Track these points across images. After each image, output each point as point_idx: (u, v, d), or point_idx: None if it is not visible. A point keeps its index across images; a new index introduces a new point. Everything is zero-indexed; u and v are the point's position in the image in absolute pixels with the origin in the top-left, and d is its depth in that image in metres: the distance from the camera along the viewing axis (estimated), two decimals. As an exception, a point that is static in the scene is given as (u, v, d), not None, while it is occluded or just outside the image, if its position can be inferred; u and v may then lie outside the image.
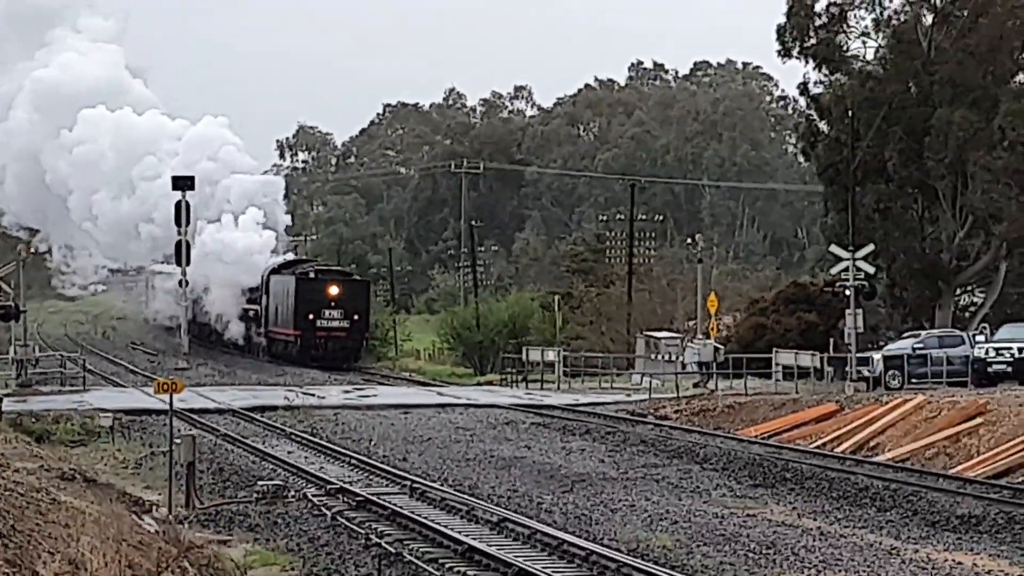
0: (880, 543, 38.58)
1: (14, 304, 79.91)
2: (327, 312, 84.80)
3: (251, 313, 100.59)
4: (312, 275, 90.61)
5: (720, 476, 51.14)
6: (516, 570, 32.86)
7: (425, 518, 40.50)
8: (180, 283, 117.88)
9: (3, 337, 77.24)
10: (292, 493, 45.12)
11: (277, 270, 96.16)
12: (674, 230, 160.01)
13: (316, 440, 59.74)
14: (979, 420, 57.27)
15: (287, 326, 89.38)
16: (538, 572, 32.61)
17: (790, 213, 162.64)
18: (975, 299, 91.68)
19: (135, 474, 49.92)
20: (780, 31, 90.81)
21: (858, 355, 72.97)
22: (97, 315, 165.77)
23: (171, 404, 46.00)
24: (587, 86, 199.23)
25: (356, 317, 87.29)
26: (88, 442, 57.79)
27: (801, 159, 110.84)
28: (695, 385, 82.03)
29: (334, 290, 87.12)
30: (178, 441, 44.94)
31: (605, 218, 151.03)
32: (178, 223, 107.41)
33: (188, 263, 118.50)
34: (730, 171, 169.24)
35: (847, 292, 72.70)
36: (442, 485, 46.85)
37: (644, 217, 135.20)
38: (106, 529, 30.86)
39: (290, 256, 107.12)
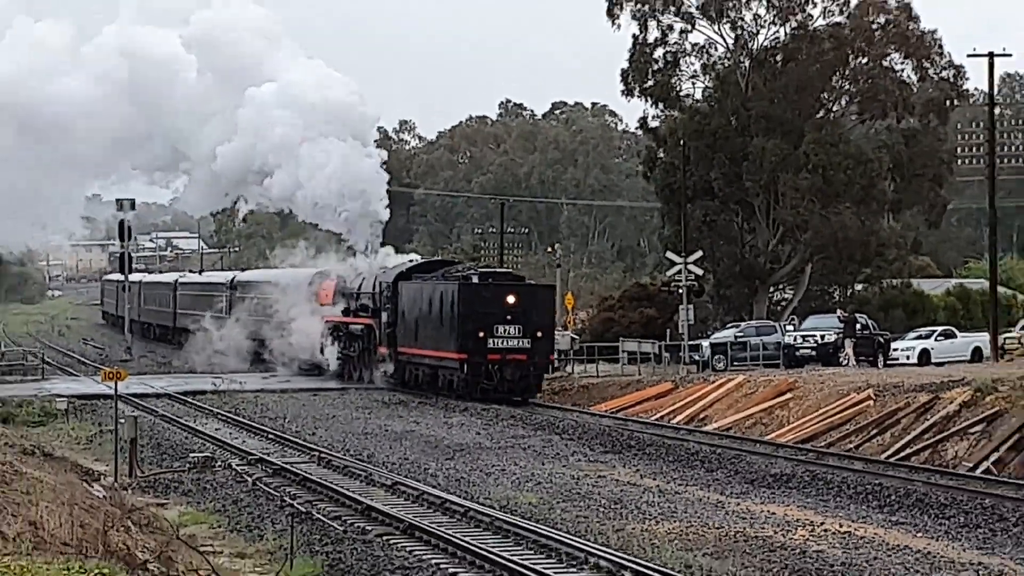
0: (708, 498, 39.21)
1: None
2: (502, 328, 61.12)
3: (356, 329, 74.08)
4: (476, 280, 65.34)
5: (576, 444, 51.26)
6: (407, 525, 33.40)
7: (330, 483, 40.88)
8: (123, 287, 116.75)
9: None
10: (219, 463, 45.15)
11: (406, 275, 70.33)
12: (537, 240, 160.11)
13: (239, 419, 59.50)
14: (789, 395, 58.01)
15: (442, 347, 64.26)
16: (424, 526, 33.08)
17: (634, 226, 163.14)
18: (785, 295, 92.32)
19: (86, 449, 49.65)
20: (623, 74, 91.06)
21: (690, 343, 73.36)
22: (54, 316, 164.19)
23: (116, 390, 45.90)
24: (463, 121, 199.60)
25: (539, 334, 62.73)
26: (46, 423, 57.42)
27: (643, 181, 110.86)
28: (555, 369, 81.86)
29: (511, 299, 62.24)
30: (122, 421, 44.93)
31: (480, 231, 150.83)
32: (121, 238, 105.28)
33: (131, 271, 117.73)
34: (584, 191, 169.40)
35: (680, 290, 73.11)
36: (344, 455, 47.01)
37: (512, 230, 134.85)
38: (61, 495, 30.74)
39: (415, 258, 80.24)
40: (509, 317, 61.69)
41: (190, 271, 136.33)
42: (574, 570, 28.85)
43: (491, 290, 63.10)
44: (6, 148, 72.12)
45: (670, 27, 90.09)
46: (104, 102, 74.89)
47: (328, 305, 76.21)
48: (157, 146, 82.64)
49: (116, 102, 75.51)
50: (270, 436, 53.57)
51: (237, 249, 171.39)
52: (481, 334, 61.06)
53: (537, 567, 28.62)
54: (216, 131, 79.05)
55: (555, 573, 28.20)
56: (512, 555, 29.86)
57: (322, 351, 77.10)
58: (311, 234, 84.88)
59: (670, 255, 77.09)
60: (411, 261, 75.68)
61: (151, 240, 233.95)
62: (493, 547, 30.80)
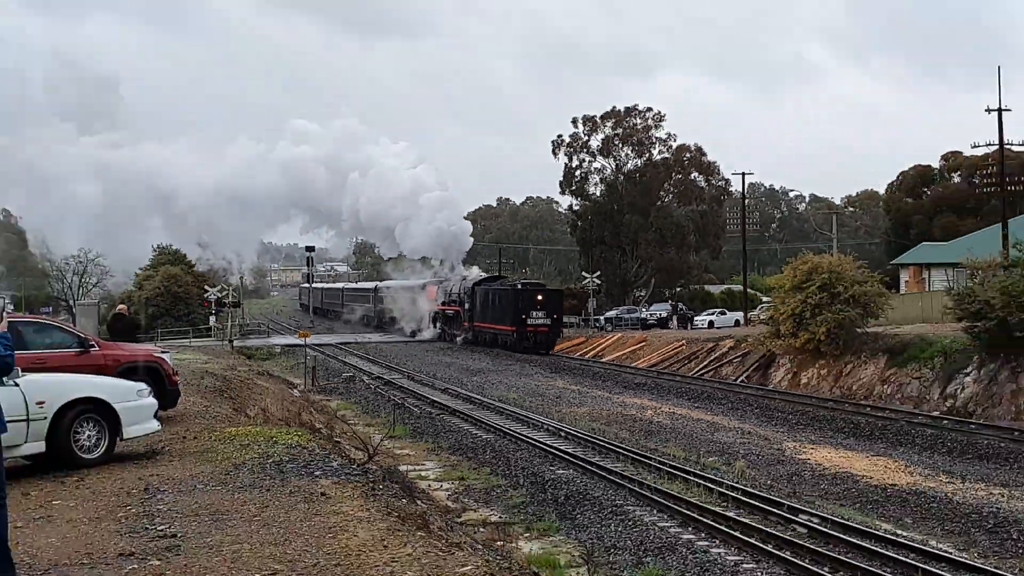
0: (603, 395, 39.37)
1: (239, 301, 79.07)
2: (535, 313, 60.05)
3: (449, 313, 71.25)
4: (520, 287, 63.75)
5: (537, 369, 50.97)
6: (452, 409, 34.08)
7: (412, 388, 41.34)
8: (309, 291, 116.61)
9: (235, 314, 75.71)
10: (356, 379, 45.26)
11: (479, 283, 68.01)
12: (517, 267, 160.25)
13: (367, 356, 59.15)
14: (644, 343, 58.00)
15: (501, 323, 62.19)
16: (460, 410, 33.77)
17: (567, 259, 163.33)
18: (641, 293, 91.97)
19: (290, 371, 49.52)
20: (560, 184, 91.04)
21: (594, 317, 73.46)
22: (274, 305, 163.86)
23: (305, 342, 46.28)
24: (479, 208, 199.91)
25: (555, 316, 61.57)
26: (270, 358, 57.39)
27: (570, 236, 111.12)
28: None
29: (540, 297, 61.22)
30: (309, 357, 45.20)
31: (488, 264, 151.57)
32: (307, 265, 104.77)
33: (313, 282, 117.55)
34: (541, 241, 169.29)
35: (589, 291, 73.09)
36: (420, 374, 46.95)
37: (504, 262, 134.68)
38: (277, 395, 31.11)
39: (482, 274, 74.38)
40: (539, 306, 60.27)
41: (350, 282, 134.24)
42: (535, 430, 29.04)
43: (529, 292, 61.51)
44: (229, 214, 71.06)
45: (583, 159, 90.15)
46: (275, 188, 73.28)
47: (433, 299, 73.34)
48: (306, 213, 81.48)
49: (281, 188, 74.07)
50: (383, 365, 53.28)
51: (366, 271, 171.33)
52: (524, 316, 59.75)
53: (516, 429, 29.08)
54: (337, 203, 77.13)
55: (526, 432, 28.49)
56: (503, 423, 30.36)
57: (430, 325, 74.21)
58: (411, 262, 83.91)
59: (584, 273, 77.03)
60: (481, 275, 72.56)
61: (323, 266, 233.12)
62: (494, 419, 31.41)
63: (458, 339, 68.38)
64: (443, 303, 71.49)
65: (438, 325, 72.98)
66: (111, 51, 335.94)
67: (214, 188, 69.59)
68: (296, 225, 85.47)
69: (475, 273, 73.27)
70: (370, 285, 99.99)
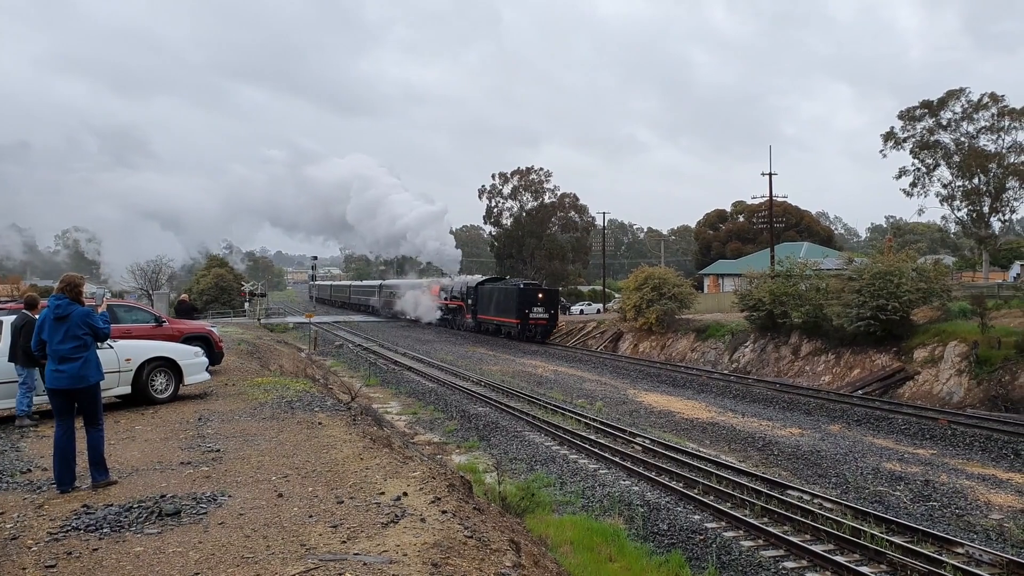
0: (509, 358, 38.58)
1: (264, 292, 77.11)
2: (535, 308, 49.86)
3: (452, 306, 61.01)
4: (523, 286, 51.82)
5: (462, 340, 49.93)
6: (407, 366, 33.12)
7: (384, 353, 40.21)
8: (314, 286, 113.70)
9: (262, 302, 73.05)
10: (345, 346, 44.35)
11: (483, 283, 58.11)
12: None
13: (354, 331, 57.65)
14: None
15: (506, 316, 51.56)
16: (415, 367, 32.81)
17: (488, 268, 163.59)
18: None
19: (299, 340, 48.22)
20: (484, 217, 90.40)
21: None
22: (289, 296, 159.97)
23: (311, 321, 45.28)
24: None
25: (552, 311, 50.91)
26: (286, 331, 55.69)
27: (490, 252, 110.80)
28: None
29: (540, 295, 50.83)
30: (312, 331, 44.22)
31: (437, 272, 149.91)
32: (312, 269, 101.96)
33: (315, 280, 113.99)
34: (472, 255, 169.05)
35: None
36: (389, 343, 46.14)
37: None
38: (290, 357, 30.21)
39: (479, 277, 63.20)
40: (539, 303, 50.68)
41: (355, 280, 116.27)
42: (463, 381, 28.58)
43: (530, 291, 51.45)
44: (216, 227, 63.79)
45: (499, 201, 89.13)
46: (254, 204, 65.75)
47: (435, 295, 64.27)
48: (304, 225, 74.66)
49: (258, 204, 66.36)
50: (364, 336, 52.19)
51: (351, 274, 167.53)
52: (527, 311, 50.21)
53: (451, 379, 28.64)
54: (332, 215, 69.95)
55: (457, 382, 28.16)
56: (443, 374, 29.81)
57: (435, 314, 64.13)
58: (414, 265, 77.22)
59: (499, 278, 76.66)
60: (480, 277, 62.32)
61: (323, 269, 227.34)
62: (437, 372, 30.71)
63: (461, 328, 59.12)
64: (446, 299, 62.77)
65: (441, 316, 63.29)
66: (165, 119, 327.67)
67: (209, 208, 62.42)
68: (270, 232, 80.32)
69: (465, 277, 64.56)
70: (375, 283, 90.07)
